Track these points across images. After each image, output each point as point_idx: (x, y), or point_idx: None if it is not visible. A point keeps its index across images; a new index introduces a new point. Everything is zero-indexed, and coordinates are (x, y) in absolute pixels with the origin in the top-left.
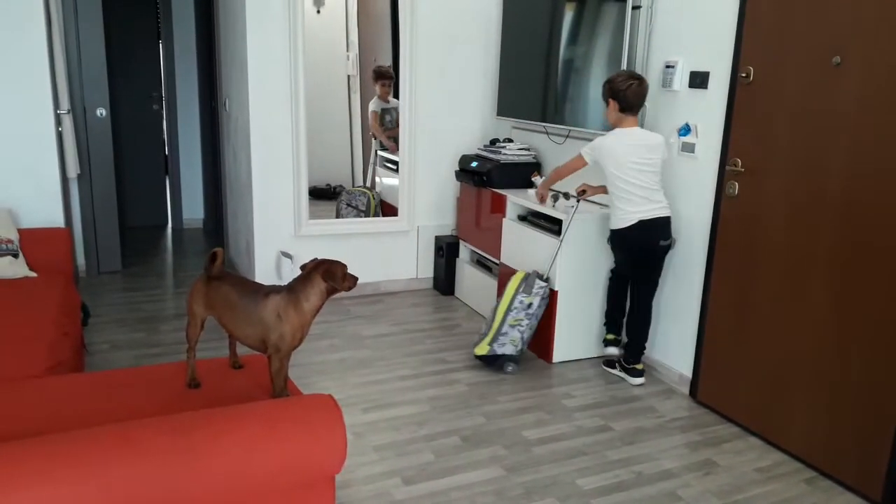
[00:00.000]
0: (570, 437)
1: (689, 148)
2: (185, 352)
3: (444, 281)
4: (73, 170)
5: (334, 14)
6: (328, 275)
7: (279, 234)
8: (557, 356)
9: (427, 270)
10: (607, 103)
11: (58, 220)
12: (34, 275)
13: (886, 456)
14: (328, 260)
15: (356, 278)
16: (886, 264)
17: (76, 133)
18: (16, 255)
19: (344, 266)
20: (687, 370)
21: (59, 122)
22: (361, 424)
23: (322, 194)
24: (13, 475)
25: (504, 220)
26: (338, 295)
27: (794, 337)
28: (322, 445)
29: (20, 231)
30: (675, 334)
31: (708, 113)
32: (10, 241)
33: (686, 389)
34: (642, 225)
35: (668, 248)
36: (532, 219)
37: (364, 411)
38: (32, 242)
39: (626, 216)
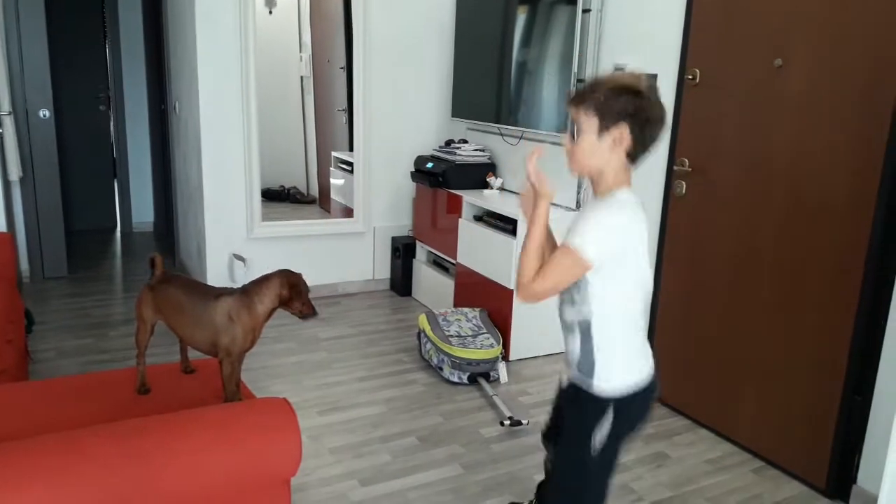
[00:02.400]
0: (528, 433)
1: None
2: (135, 357)
3: (401, 282)
4: (14, 173)
5: (287, 15)
6: (295, 290)
7: (231, 237)
8: (514, 354)
9: (384, 271)
10: (607, 129)
11: None
12: None
13: (830, 445)
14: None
15: (315, 312)
16: (830, 261)
17: (18, 135)
18: None
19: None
20: None
21: None
22: (317, 427)
23: (275, 196)
24: None
25: (460, 220)
26: None
27: (740, 332)
28: (276, 449)
29: None
30: None
31: None
32: None
33: None
34: (646, 388)
35: None
36: (488, 219)
37: (320, 413)
38: None
39: (626, 372)
